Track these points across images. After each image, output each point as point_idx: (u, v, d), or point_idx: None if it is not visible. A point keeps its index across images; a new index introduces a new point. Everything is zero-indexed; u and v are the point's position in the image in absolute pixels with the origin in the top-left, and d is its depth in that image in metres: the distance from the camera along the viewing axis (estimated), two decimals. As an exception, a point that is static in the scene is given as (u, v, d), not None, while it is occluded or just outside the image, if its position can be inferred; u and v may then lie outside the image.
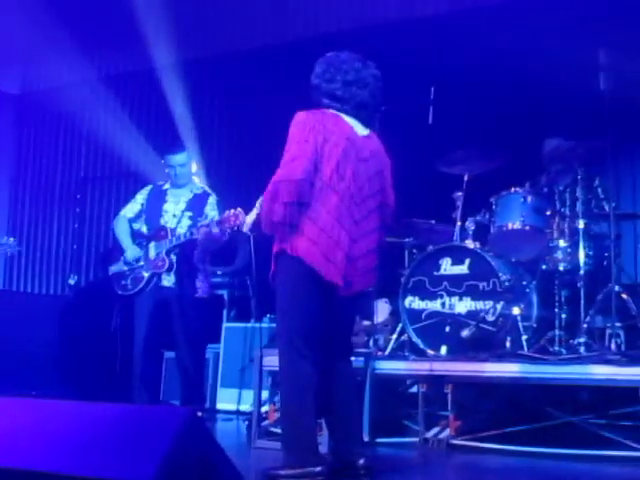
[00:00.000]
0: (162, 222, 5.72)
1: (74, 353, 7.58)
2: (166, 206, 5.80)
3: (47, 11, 7.98)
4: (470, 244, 5.72)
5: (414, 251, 6.22)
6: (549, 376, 4.84)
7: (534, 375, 4.85)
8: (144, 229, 5.81)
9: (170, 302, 5.68)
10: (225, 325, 7.39)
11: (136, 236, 5.78)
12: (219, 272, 7.78)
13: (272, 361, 5.42)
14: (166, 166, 5.91)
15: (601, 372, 4.67)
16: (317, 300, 3.64)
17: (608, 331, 5.24)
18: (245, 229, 3.86)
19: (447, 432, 4.99)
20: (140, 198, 5.92)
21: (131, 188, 9.13)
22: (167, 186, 5.91)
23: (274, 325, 6.74)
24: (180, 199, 5.82)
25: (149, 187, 6.02)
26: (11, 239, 6.52)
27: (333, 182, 3.59)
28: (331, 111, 3.74)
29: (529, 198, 5.68)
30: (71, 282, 8.81)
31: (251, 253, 4.72)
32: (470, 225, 5.91)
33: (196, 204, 5.83)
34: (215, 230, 5.48)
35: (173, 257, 5.64)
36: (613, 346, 5.07)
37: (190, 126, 8.08)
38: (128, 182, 9.31)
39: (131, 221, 5.83)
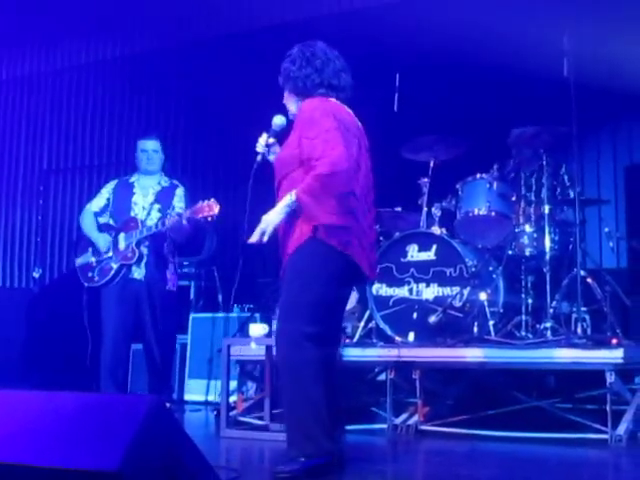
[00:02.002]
0: (132, 214, 5.69)
1: (41, 347, 7.50)
2: (135, 198, 5.76)
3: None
4: (437, 230, 5.74)
5: (381, 238, 6.22)
6: (516, 360, 4.87)
7: (501, 360, 4.88)
8: (111, 222, 5.76)
9: (139, 294, 5.64)
10: (192, 316, 7.35)
11: (103, 229, 5.73)
12: (186, 263, 7.75)
13: (240, 351, 5.44)
14: (138, 152, 5.87)
15: (567, 356, 4.71)
16: (343, 285, 3.69)
17: (574, 315, 5.28)
18: (266, 230, 3.56)
19: (416, 418, 5.01)
20: (106, 192, 5.89)
21: (95, 180, 9.10)
22: (134, 179, 5.88)
23: (242, 315, 6.80)
24: (148, 191, 5.78)
25: (115, 181, 6.00)
26: None
27: (354, 172, 3.59)
28: (333, 100, 3.74)
29: (495, 184, 5.71)
30: (35, 275, 8.72)
31: (215, 243, 4.68)
32: (436, 211, 5.93)
33: (164, 196, 5.80)
34: (185, 222, 5.45)
35: (143, 249, 5.60)
36: (579, 330, 5.10)
37: (155, 117, 8.01)
38: (92, 174, 9.24)
39: (97, 215, 5.79)
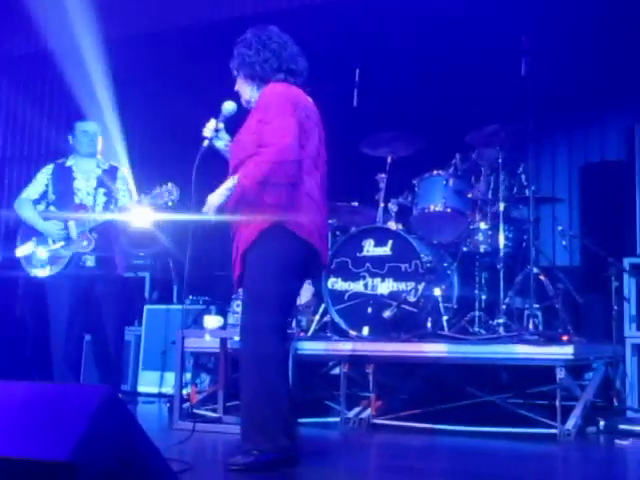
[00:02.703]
0: (77, 200, 5.54)
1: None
2: (76, 184, 5.58)
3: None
4: (393, 226, 5.76)
5: (337, 233, 6.24)
6: (469, 356, 4.93)
7: (455, 355, 4.93)
8: (51, 209, 5.58)
9: (92, 282, 5.52)
10: (147, 307, 7.31)
11: (48, 218, 5.54)
12: (141, 254, 7.70)
13: (194, 342, 5.41)
14: (78, 134, 5.69)
15: (519, 352, 4.78)
16: (302, 276, 3.71)
17: (526, 312, 5.35)
18: (208, 211, 3.61)
19: (368, 412, 5.04)
20: (43, 178, 5.64)
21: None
22: (70, 162, 5.65)
23: (196, 307, 6.77)
24: (90, 175, 5.61)
25: (50, 166, 5.69)
26: None
27: (316, 158, 3.62)
28: (294, 87, 3.73)
29: (451, 181, 5.75)
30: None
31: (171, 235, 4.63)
32: (393, 207, 5.95)
33: (106, 180, 5.65)
34: (143, 209, 5.38)
35: (94, 235, 5.49)
36: (531, 326, 5.16)
37: (110, 102, 7.92)
38: (47, 163, 9.11)
39: (35, 202, 5.59)
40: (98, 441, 2.11)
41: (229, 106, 3.89)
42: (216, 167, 3.88)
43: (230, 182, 3.58)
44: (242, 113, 3.88)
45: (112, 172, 5.66)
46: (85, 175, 5.56)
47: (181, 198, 5.21)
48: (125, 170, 5.78)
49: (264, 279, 3.53)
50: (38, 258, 5.42)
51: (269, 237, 3.52)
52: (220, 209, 3.60)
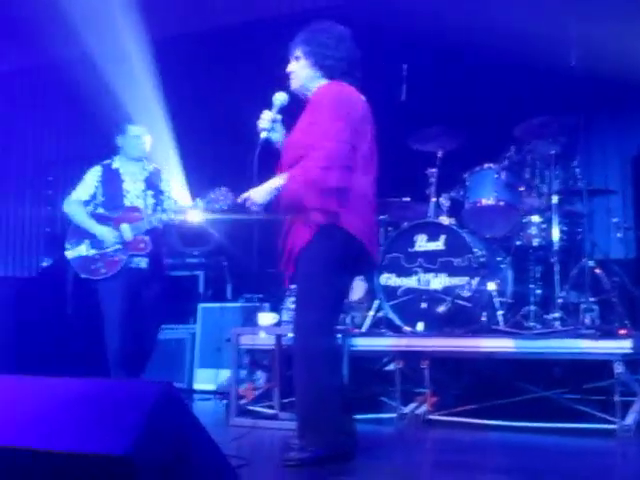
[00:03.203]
0: (126, 202, 5.58)
1: (35, 335, 7.44)
2: (125, 186, 5.64)
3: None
4: (445, 220, 5.72)
5: (389, 228, 6.23)
6: (524, 351, 4.88)
7: (509, 350, 4.88)
8: (100, 211, 5.62)
9: (143, 283, 5.58)
10: (201, 305, 7.38)
11: (97, 219, 5.59)
12: (195, 253, 7.78)
13: (249, 340, 5.45)
14: (129, 137, 5.71)
15: (575, 346, 4.72)
16: (352, 274, 3.78)
17: (582, 306, 5.27)
18: (250, 206, 3.64)
19: (424, 408, 5.03)
20: (91, 180, 5.65)
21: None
22: (117, 165, 5.70)
23: (250, 305, 6.82)
24: (137, 177, 5.65)
25: (98, 168, 5.68)
26: None
27: (369, 158, 3.63)
28: (350, 87, 3.73)
29: (502, 174, 5.70)
30: (44, 264, 8.74)
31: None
32: (444, 201, 5.92)
33: (153, 182, 5.70)
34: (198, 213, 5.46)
35: (148, 238, 5.55)
36: (587, 321, 5.10)
37: (163, 106, 7.99)
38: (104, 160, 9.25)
39: (85, 204, 5.63)
40: (155, 435, 2.15)
41: (281, 96, 3.86)
42: (275, 162, 3.91)
43: (277, 181, 3.59)
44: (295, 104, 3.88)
45: (157, 174, 5.73)
46: (132, 177, 5.62)
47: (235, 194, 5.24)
48: (166, 172, 5.83)
49: (315, 277, 3.55)
50: (94, 260, 5.47)
51: (323, 237, 3.54)
52: (264, 207, 3.61)
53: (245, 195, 3.63)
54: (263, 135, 3.81)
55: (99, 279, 5.45)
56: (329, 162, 3.47)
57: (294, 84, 3.83)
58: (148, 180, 5.65)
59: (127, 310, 5.45)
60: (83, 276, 5.52)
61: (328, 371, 3.53)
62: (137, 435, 2.06)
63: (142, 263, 5.51)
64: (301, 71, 3.79)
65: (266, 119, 3.82)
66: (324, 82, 3.77)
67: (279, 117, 3.86)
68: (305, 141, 3.60)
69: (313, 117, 3.60)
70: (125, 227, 5.43)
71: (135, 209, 5.52)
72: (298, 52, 3.79)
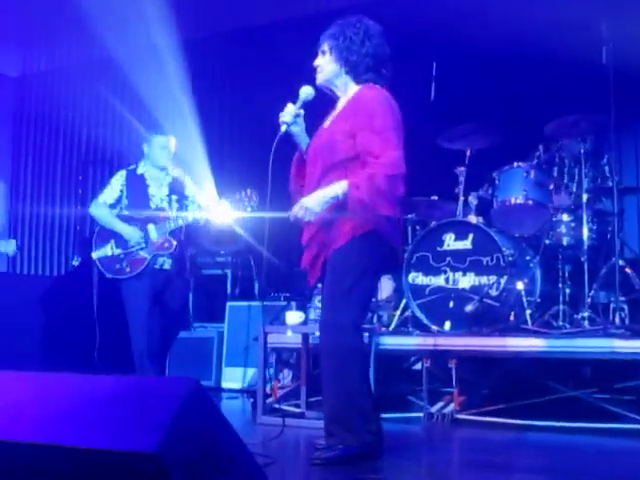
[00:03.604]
0: (152, 206, 5.65)
1: (57, 334, 7.48)
2: (150, 190, 5.71)
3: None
4: (473, 219, 5.70)
5: (417, 227, 6.22)
6: (553, 350, 4.85)
7: (538, 349, 4.86)
8: (126, 213, 5.68)
9: (166, 284, 5.63)
10: (229, 304, 7.40)
11: (124, 219, 5.65)
12: (222, 252, 7.80)
13: (276, 338, 5.46)
14: (157, 148, 5.77)
15: (605, 346, 4.68)
16: (381, 274, 3.83)
17: (612, 305, 5.24)
18: (304, 216, 3.51)
19: (451, 407, 5.02)
20: (117, 184, 5.74)
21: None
22: (142, 170, 5.76)
23: (276, 303, 6.82)
24: (161, 183, 5.72)
25: (123, 172, 5.80)
26: (12, 241, 6.43)
27: None
28: (386, 91, 3.72)
29: (532, 172, 5.66)
30: (75, 263, 8.80)
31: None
32: (473, 200, 5.90)
33: (177, 187, 5.74)
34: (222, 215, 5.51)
35: (173, 239, 5.60)
36: (617, 320, 5.06)
37: (190, 107, 8.02)
38: (130, 164, 9.31)
39: (111, 207, 5.71)
40: (184, 433, 2.15)
41: (307, 90, 3.81)
42: (291, 155, 3.90)
43: (334, 189, 3.52)
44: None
45: (180, 179, 5.77)
46: (157, 182, 5.71)
47: (260, 196, 5.27)
48: (188, 177, 5.84)
49: (350, 278, 3.54)
50: (119, 260, 5.54)
51: (361, 241, 3.53)
52: (318, 215, 3.54)
53: (297, 207, 3.55)
54: (283, 128, 3.77)
55: (124, 278, 5.52)
56: (395, 170, 3.47)
57: (319, 78, 3.80)
58: (171, 185, 5.72)
59: (152, 309, 5.50)
60: (109, 276, 5.58)
61: (359, 370, 3.53)
62: (165, 432, 2.07)
63: (166, 264, 5.57)
64: (327, 65, 3.77)
65: (289, 112, 3.78)
66: (349, 78, 3.75)
67: (302, 112, 3.83)
68: (351, 145, 3.57)
69: (362, 122, 3.55)
70: (151, 227, 5.52)
71: (161, 210, 5.59)
72: (325, 46, 3.77)
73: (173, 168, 5.81)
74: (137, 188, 5.69)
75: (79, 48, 9.41)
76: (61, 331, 7.30)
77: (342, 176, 3.56)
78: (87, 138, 9.88)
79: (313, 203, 3.53)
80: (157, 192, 5.67)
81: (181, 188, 5.74)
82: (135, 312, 5.49)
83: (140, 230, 5.54)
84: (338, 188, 3.50)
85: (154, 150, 5.71)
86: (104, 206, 5.68)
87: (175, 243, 5.52)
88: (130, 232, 5.55)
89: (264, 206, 3.77)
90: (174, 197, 5.68)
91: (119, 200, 5.68)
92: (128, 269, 5.51)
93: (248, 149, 8.21)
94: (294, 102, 3.82)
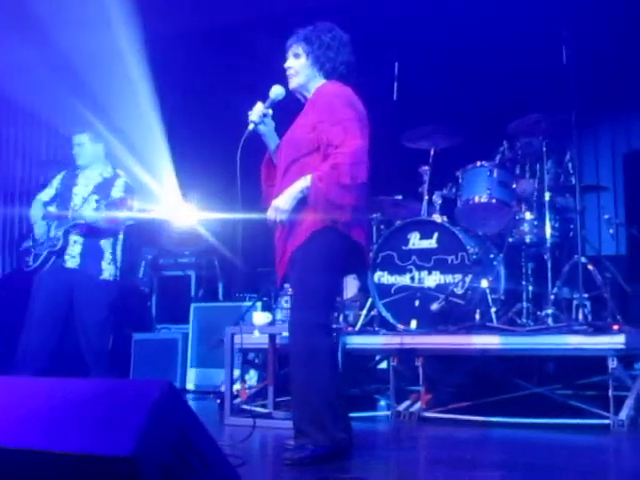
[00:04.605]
0: (72, 204, 5.62)
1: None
2: (75, 189, 5.67)
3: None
4: (438, 218, 5.75)
5: (381, 227, 6.24)
6: (518, 347, 4.90)
7: (503, 347, 4.90)
8: (50, 210, 5.68)
9: (73, 283, 5.55)
10: (193, 305, 7.37)
11: (48, 218, 5.63)
12: (186, 252, 7.77)
13: (242, 339, 5.43)
14: (72, 147, 5.78)
15: (568, 342, 4.74)
16: (346, 272, 3.82)
17: (575, 302, 5.31)
18: (277, 216, 3.51)
19: (418, 405, 5.04)
20: (55, 182, 5.76)
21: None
22: (79, 170, 5.76)
23: (242, 304, 6.81)
24: (90, 182, 5.69)
25: (63, 172, 5.85)
26: None
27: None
28: (348, 87, 3.72)
29: (495, 171, 5.72)
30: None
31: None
32: (437, 199, 5.94)
33: (103, 187, 5.67)
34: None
35: (75, 237, 5.52)
36: (580, 317, 5.13)
37: (154, 107, 7.97)
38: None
39: (46, 204, 5.66)
40: (157, 435, 2.14)
41: (278, 90, 3.79)
42: (260, 155, 3.89)
43: (300, 184, 3.52)
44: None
45: (112, 180, 5.69)
46: (85, 182, 5.68)
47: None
48: (123, 179, 5.73)
49: (312, 275, 3.54)
50: (29, 253, 5.60)
51: (320, 236, 3.53)
52: (289, 212, 3.54)
53: (270, 209, 3.56)
54: (251, 127, 3.75)
55: (28, 271, 5.53)
56: (357, 158, 3.47)
57: (293, 82, 3.79)
58: (98, 186, 5.65)
59: (48, 307, 5.44)
60: (24, 268, 5.60)
61: (328, 369, 3.53)
62: (139, 435, 2.06)
63: (68, 262, 5.48)
64: (301, 70, 3.76)
65: (257, 111, 3.77)
66: (322, 83, 3.76)
67: (270, 112, 3.81)
68: (310, 140, 3.59)
69: (321, 116, 3.57)
70: (53, 224, 5.53)
71: (68, 209, 5.57)
72: (298, 49, 3.76)
73: (109, 169, 5.74)
74: (67, 187, 5.70)
75: (37, 45, 9.30)
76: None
77: (304, 170, 3.57)
78: (47, 138, 9.77)
79: (282, 202, 3.54)
80: (81, 191, 5.63)
81: (108, 189, 5.67)
82: (29, 307, 5.47)
83: (45, 226, 5.55)
84: (303, 182, 3.52)
85: (74, 149, 5.74)
86: (38, 203, 5.70)
87: (62, 241, 5.45)
88: (36, 229, 5.61)
89: (234, 206, 3.74)
90: (94, 197, 5.59)
91: (54, 198, 5.68)
92: (30, 263, 5.55)
93: (214, 149, 8.18)
94: (264, 101, 3.80)
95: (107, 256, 5.56)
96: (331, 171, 3.45)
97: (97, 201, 5.58)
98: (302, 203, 3.54)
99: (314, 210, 3.51)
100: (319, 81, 3.76)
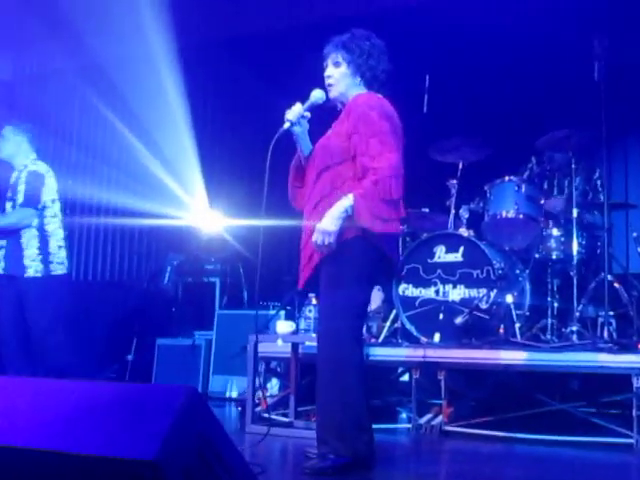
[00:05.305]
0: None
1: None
2: (7, 185, 5.66)
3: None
4: (464, 232, 5.74)
5: (407, 239, 6.24)
6: (541, 363, 4.87)
7: (526, 362, 4.88)
8: None
9: (3, 288, 5.52)
10: (217, 312, 7.40)
11: None
12: (212, 259, 7.81)
13: (265, 347, 5.45)
14: None
15: (593, 360, 4.71)
16: (375, 283, 3.90)
17: (600, 319, 5.27)
18: (324, 241, 3.46)
19: (440, 418, 5.02)
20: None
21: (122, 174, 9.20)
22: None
23: (265, 312, 6.82)
24: (10, 179, 5.67)
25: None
26: None
27: None
28: (386, 100, 3.73)
29: (523, 186, 5.71)
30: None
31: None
32: (464, 213, 5.94)
33: (15, 183, 5.64)
34: None
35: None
36: (605, 334, 5.09)
37: (184, 114, 8.02)
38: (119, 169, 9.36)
39: None
40: (181, 440, 2.15)
41: (318, 94, 3.77)
42: (289, 156, 3.90)
43: (342, 204, 3.47)
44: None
45: (19, 176, 5.57)
46: (13, 178, 5.62)
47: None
48: (27, 170, 5.56)
49: (343, 286, 3.54)
50: None
51: (351, 246, 3.52)
52: (336, 234, 3.50)
53: (315, 234, 3.52)
54: (286, 126, 3.73)
55: None
56: (396, 172, 3.48)
57: (334, 91, 3.76)
58: (13, 182, 5.61)
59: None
60: None
61: (357, 379, 3.53)
62: (163, 440, 2.07)
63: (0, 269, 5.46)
64: (342, 79, 3.74)
65: (295, 111, 3.75)
66: (361, 91, 3.75)
67: (308, 114, 3.78)
68: (345, 149, 3.59)
69: (358, 127, 3.56)
70: None
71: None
72: (339, 58, 3.73)
73: (23, 166, 5.61)
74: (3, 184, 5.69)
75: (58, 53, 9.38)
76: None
77: (336, 178, 3.58)
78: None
79: (327, 224, 3.49)
80: (6, 191, 5.61)
81: (16, 185, 5.55)
82: None
83: None
84: (346, 202, 3.48)
85: None
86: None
87: None
88: None
89: (259, 212, 3.74)
90: (8, 194, 5.58)
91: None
92: None
93: (242, 157, 8.23)
94: (302, 103, 3.78)
95: (31, 252, 5.41)
96: (373, 187, 3.44)
97: (10, 199, 5.54)
98: (350, 220, 3.50)
99: (361, 225, 3.48)
100: (359, 89, 3.74)
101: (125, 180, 8.48)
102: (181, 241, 8.15)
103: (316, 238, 3.51)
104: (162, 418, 2.14)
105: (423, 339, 5.55)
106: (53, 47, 9.32)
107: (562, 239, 5.64)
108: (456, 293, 5.60)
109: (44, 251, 5.46)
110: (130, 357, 7.47)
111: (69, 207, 9.35)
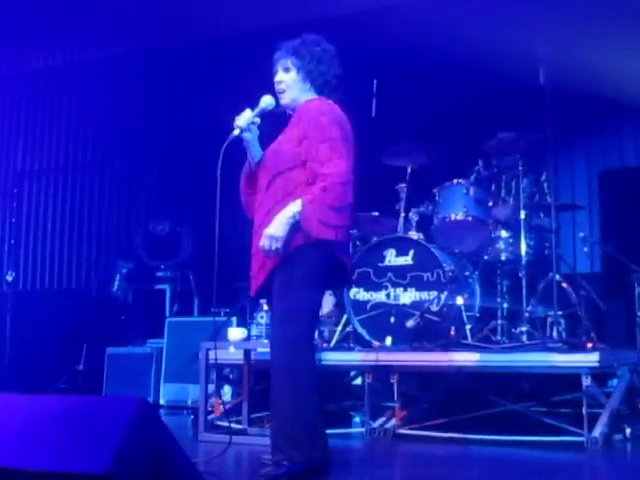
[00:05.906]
0: None
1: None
2: None
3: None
4: (414, 235, 5.77)
5: (358, 243, 6.25)
6: (492, 364, 4.91)
7: (478, 364, 4.91)
8: None
9: None
10: (168, 320, 7.32)
11: None
12: (161, 266, 7.74)
13: (217, 354, 5.40)
14: None
15: (543, 360, 4.76)
16: (327, 288, 3.88)
17: (549, 319, 5.33)
18: (271, 245, 3.45)
19: (393, 422, 5.03)
20: None
21: (69, 182, 9.10)
22: None
23: (217, 319, 6.77)
24: None
25: None
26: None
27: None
28: (336, 105, 3.72)
29: (472, 189, 5.76)
30: (9, 278, 8.62)
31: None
32: (414, 216, 5.97)
33: None
34: None
35: None
36: (554, 334, 5.15)
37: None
38: (66, 176, 9.23)
39: None
40: (133, 452, 2.13)
41: (268, 100, 3.73)
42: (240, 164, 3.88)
43: (290, 210, 3.48)
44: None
45: None
46: None
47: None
48: None
49: (295, 291, 3.52)
50: None
51: (303, 252, 3.51)
52: (284, 239, 3.49)
53: (262, 239, 3.51)
54: (236, 132, 3.68)
55: None
56: (345, 178, 3.46)
57: (285, 98, 3.74)
58: None
59: None
60: None
61: (312, 385, 3.51)
62: (116, 452, 2.04)
63: None
64: (293, 85, 3.71)
65: (245, 117, 3.70)
66: (311, 96, 3.74)
67: (258, 120, 3.74)
68: (296, 154, 3.58)
69: (308, 132, 3.55)
70: None
71: None
72: (288, 63, 3.71)
73: None
74: None
75: (16, 58, 9.27)
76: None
77: (288, 183, 3.57)
78: (23, 149, 9.73)
79: (274, 229, 3.48)
80: None
81: None
82: None
83: None
84: (294, 207, 3.48)
85: None
86: None
87: None
88: None
89: (211, 217, 3.72)
90: None
91: None
92: None
93: (192, 165, 8.18)
94: (252, 109, 3.75)
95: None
96: (322, 193, 3.43)
97: None
98: (297, 225, 3.49)
99: (308, 231, 3.47)
100: (310, 95, 3.73)
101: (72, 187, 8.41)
102: (130, 248, 8.09)
103: (263, 243, 3.50)
104: (113, 430, 2.11)
105: (375, 343, 5.56)
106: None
107: (511, 241, 5.69)
108: (407, 296, 5.62)
109: None
110: (80, 367, 7.37)
111: (15, 215, 9.31)
